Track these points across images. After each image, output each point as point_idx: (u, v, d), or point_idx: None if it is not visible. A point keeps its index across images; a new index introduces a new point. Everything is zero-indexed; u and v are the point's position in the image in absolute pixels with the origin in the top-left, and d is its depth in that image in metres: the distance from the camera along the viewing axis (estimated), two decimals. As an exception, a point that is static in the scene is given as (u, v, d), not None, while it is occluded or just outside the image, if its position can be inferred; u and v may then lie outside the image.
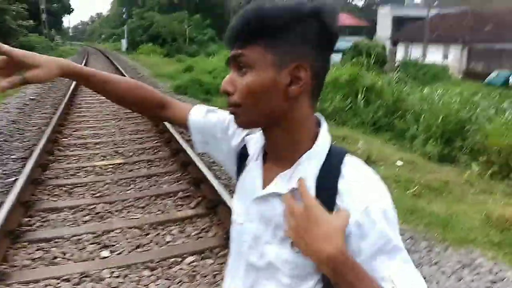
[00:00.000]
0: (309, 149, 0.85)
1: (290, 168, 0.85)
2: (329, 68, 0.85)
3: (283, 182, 0.85)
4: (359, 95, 10.50)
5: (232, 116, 0.87)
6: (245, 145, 1.01)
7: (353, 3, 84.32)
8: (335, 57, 28.52)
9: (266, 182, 0.89)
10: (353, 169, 0.85)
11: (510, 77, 23.84)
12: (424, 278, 2.75)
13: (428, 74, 23.64)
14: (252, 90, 0.80)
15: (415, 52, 32.56)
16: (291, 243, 0.83)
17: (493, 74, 25.09)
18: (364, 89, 10.71)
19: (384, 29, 43.83)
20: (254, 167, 0.93)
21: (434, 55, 30.49)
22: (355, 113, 10.19)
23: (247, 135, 1.03)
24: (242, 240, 0.95)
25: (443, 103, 9.69)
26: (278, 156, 0.89)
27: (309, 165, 0.84)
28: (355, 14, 61.78)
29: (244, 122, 0.86)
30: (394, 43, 39.12)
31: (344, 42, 39.82)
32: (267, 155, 0.93)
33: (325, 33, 0.80)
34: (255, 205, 0.90)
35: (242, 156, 1.00)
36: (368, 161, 6.09)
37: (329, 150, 0.86)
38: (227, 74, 0.86)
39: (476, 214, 4.24)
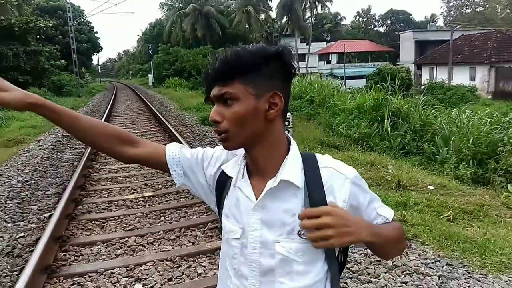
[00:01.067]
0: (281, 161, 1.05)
1: (275, 176, 1.03)
2: (290, 95, 1.08)
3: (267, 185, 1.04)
4: (386, 120, 10.42)
5: (208, 149, 1.13)
6: (222, 172, 1.13)
7: (375, 29, 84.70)
8: (359, 83, 28.52)
9: (257, 194, 1.06)
10: (325, 160, 1.08)
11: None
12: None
13: (455, 96, 23.29)
14: (240, 117, 1.00)
15: (440, 74, 32.26)
16: (298, 232, 1.01)
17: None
18: (390, 113, 10.65)
19: (407, 53, 43.68)
20: (244, 184, 1.08)
21: (460, 77, 30.08)
22: (383, 138, 10.10)
23: (221, 164, 1.15)
24: (249, 251, 1.06)
25: (472, 124, 9.51)
26: (261, 171, 1.07)
27: (290, 167, 1.04)
28: (377, 40, 61.92)
29: (233, 144, 1.04)
30: (418, 66, 38.88)
31: (367, 68, 39.87)
32: (249, 172, 1.09)
33: (286, 68, 1.03)
34: (255, 215, 1.05)
35: (220, 183, 1.14)
36: (399, 186, 5.99)
37: (302, 157, 1.07)
38: None
39: (515, 238, 4.08)
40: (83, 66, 45.86)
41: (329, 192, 1.03)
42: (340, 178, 1.05)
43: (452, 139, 9.02)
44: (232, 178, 1.10)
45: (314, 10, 56.93)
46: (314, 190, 1.02)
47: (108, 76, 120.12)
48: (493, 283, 3.23)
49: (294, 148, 1.07)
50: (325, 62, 56.53)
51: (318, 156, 1.09)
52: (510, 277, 3.33)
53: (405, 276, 3.29)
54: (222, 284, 1.16)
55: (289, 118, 8.29)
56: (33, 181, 6.60)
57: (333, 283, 1.08)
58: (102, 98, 29.31)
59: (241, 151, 1.10)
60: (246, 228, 1.06)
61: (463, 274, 3.33)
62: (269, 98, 1.00)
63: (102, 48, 52.71)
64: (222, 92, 1.00)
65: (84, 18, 41.34)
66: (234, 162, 1.12)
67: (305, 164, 1.05)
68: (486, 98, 26.24)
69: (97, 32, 50.08)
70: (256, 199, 1.05)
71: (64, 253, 4.03)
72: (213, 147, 1.22)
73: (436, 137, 9.85)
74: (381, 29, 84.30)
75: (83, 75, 43.46)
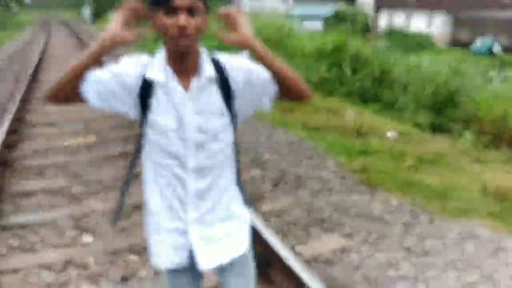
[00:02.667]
0: (199, 59, 1.45)
1: (197, 73, 1.43)
2: None
3: (196, 82, 1.43)
4: (345, 64, 10.45)
5: (125, 60, 1.46)
6: (145, 80, 1.43)
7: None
8: (316, 24, 28.31)
9: (185, 87, 1.43)
10: (224, 57, 1.49)
11: (493, 46, 24.23)
12: (428, 251, 2.73)
13: (412, 43, 23.77)
14: (201, 26, 1.37)
15: (399, 19, 32.65)
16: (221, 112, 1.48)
17: (478, 43, 25.41)
18: (350, 58, 10.67)
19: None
20: (175, 83, 1.42)
21: (418, 23, 30.62)
22: (342, 83, 10.15)
23: (139, 75, 1.44)
24: (187, 133, 1.43)
25: (431, 72, 9.75)
26: (185, 71, 1.42)
27: (208, 66, 1.44)
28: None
29: (189, 45, 1.37)
30: (377, 9, 39.05)
31: (323, 7, 39.49)
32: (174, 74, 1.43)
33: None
34: (190, 105, 1.42)
35: (145, 90, 1.43)
36: (359, 133, 6.09)
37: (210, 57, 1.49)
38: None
39: (473, 185, 4.30)
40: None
41: (231, 79, 1.46)
42: (237, 64, 1.48)
43: (411, 86, 9.23)
44: (157, 82, 1.41)
45: None
46: (224, 82, 1.46)
47: (38, 7, 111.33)
48: (452, 228, 3.40)
49: (204, 50, 1.47)
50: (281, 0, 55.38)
51: (219, 55, 1.50)
52: (468, 222, 3.51)
53: (370, 223, 3.38)
54: (153, 180, 1.54)
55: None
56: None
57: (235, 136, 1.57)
58: (33, 33, 27.28)
59: (149, 60, 1.46)
60: (184, 116, 1.42)
61: (425, 220, 3.47)
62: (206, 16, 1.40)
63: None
64: (193, 5, 1.33)
65: None
66: (155, 69, 1.42)
67: (214, 63, 1.46)
68: (442, 46, 27.04)
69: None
70: (186, 91, 1.42)
71: (-1, 203, 3.79)
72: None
73: (394, 84, 10.03)
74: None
75: (9, 6, 39.95)
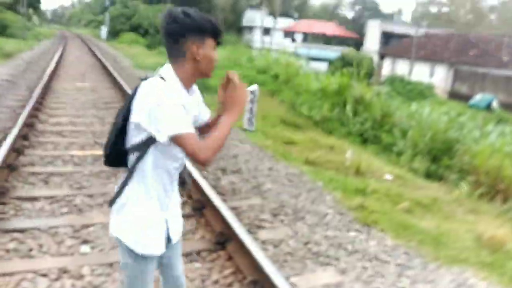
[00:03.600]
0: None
1: (192, 88, 1.73)
2: None
3: (193, 93, 1.75)
4: (348, 105, 10.57)
5: (176, 105, 1.58)
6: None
7: (343, 13, 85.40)
8: (321, 66, 28.77)
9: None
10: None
11: (492, 101, 24.55)
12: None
13: (414, 91, 24.10)
14: None
15: (402, 68, 33.20)
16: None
17: (477, 97, 25.75)
18: (353, 100, 10.80)
19: (371, 42, 44.52)
20: (191, 100, 1.70)
21: (420, 73, 31.14)
22: (342, 123, 10.25)
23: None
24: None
25: (431, 121, 9.87)
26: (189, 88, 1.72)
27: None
28: (343, 25, 62.57)
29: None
30: (382, 56, 39.77)
31: (330, 52, 40.22)
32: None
33: None
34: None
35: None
36: (358, 172, 6.10)
37: None
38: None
39: (467, 234, 4.28)
40: (31, 7, 42.84)
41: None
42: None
43: (410, 132, 9.32)
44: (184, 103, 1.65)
45: (285, -16, 56.26)
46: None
47: (58, 23, 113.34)
48: (445, 274, 3.37)
49: None
50: (291, 39, 56.40)
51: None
52: (461, 270, 3.48)
53: (365, 261, 3.35)
54: (151, 180, 1.69)
55: (255, 90, 8.17)
56: (-32, 125, 6.10)
57: None
58: (50, 45, 27.67)
59: (165, 83, 1.62)
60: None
61: (419, 264, 3.44)
62: None
63: (53, -10, 49.35)
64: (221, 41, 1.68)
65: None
66: (179, 92, 1.64)
67: None
68: (442, 97, 27.39)
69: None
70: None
71: (2, 205, 3.75)
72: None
73: (394, 128, 10.13)
74: (349, 14, 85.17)
75: (30, 17, 40.65)
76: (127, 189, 1.72)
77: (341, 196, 4.91)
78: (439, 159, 8.24)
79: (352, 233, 3.87)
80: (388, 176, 6.25)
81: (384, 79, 28.18)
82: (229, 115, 1.63)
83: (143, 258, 1.74)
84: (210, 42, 1.62)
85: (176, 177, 1.80)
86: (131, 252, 1.73)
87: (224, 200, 4.28)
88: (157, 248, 1.76)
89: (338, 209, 4.45)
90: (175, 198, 1.86)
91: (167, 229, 1.79)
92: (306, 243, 3.56)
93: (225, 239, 3.37)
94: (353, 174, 6.13)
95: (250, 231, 3.62)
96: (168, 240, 1.81)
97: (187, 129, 1.56)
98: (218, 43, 1.65)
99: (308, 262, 3.26)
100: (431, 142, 8.57)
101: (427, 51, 34.10)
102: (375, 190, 5.27)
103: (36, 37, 32.53)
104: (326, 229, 3.90)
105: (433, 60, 32.65)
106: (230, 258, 3.23)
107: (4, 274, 2.78)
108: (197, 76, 1.68)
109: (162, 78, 1.61)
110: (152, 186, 1.70)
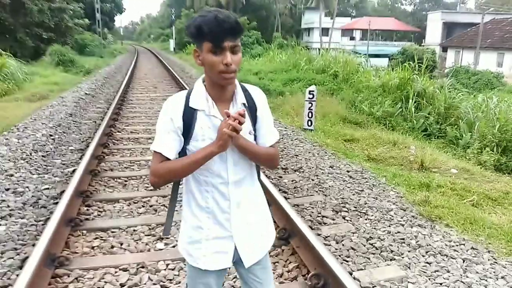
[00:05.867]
0: (235, 90, 1.63)
1: (233, 99, 1.61)
2: None
3: (233, 107, 1.60)
4: (410, 100, 10.19)
5: (166, 120, 1.56)
6: (186, 111, 1.57)
7: (402, 7, 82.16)
8: (382, 62, 27.88)
9: (222, 112, 1.55)
10: (248, 86, 1.71)
11: None
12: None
13: (480, 81, 22.65)
14: (240, 62, 1.54)
15: (467, 58, 31.32)
16: (249, 132, 1.62)
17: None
18: (415, 94, 10.40)
19: (433, 35, 42.39)
20: (216, 112, 1.57)
21: (487, 63, 29.18)
22: (405, 118, 9.90)
23: (178, 115, 1.57)
24: (229, 152, 1.58)
25: (500, 111, 9.24)
26: (223, 100, 1.59)
27: (241, 94, 1.63)
28: (403, 19, 60.20)
29: (232, 78, 1.52)
30: (444, 49, 37.78)
31: (391, 47, 38.84)
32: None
33: None
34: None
35: (187, 117, 1.56)
36: (422, 167, 5.88)
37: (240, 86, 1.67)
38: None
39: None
40: (105, 27, 45.61)
41: (257, 105, 1.66)
42: (259, 94, 1.71)
43: (477, 124, 8.79)
44: (199, 110, 1.56)
45: (341, -17, 55.22)
46: (251, 106, 1.65)
47: (129, 39, 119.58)
48: (518, 270, 3.16)
49: (237, 81, 1.63)
50: (349, 38, 55.24)
51: (244, 84, 1.69)
52: (536, 266, 3.24)
53: (429, 257, 3.23)
54: (195, 196, 1.64)
55: (313, 91, 8.12)
56: (56, 136, 6.65)
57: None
58: (124, 60, 29.27)
59: (188, 92, 1.61)
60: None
61: (488, 260, 3.25)
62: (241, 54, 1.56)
63: (125, 9, 52.36)
64: (236, 44, 1.48)
65: (109, -22, 40.82)
66: (197, 99, 1.57)
67: (243, 91, 1.65)
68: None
69: (120, -7, 49.68)
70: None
71: (87, 208, 4.07)
72: None
73: (460, 121, 9.61)
74: (409, 8, 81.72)
75: (105, 36, 43.28)
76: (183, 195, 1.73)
77: (405, 191, 4.76)
78: (510, 150, 7.70)
79: (416, 228, 3.74)
80: (454, 170, 5.96)
81: (448, 71, 26.71)
82: (211, 144, 1.53)
83: (194, 269, 1.70)
84: (207, 46, 1.47)
85: (236, 195, 1.64)
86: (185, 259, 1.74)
87: (287, 198, 4.32)
88: (208, 264, 1.67)
89: (401, 204, 4.33)
90: (248, 217, 1.69)
91: (234, 248, 1.67)
92: (368, 239, 3.50)
93: (288, 234, 3.42)
94: (417, 169, 5.91)
95: (312, 227, 3.64)
96: (236, 258, 1.70)
97: (157, 147, 1.56)
98: (219, 47, 1.46)
99: (371, 257, 3.21)
100: (500, 134, 8.03)
101: (495, 38, 31.88)
102: (440, 184, 5.05)
103: (112, 53, 34.55)
104: (389, 224, 3.81)
105: (501, 48, 30.45)
106: (293, 253, 3.27)
107: (90, 269, 3.01)
108: (214, 84, 1.57)
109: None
110: (198, 200, 1.64)
